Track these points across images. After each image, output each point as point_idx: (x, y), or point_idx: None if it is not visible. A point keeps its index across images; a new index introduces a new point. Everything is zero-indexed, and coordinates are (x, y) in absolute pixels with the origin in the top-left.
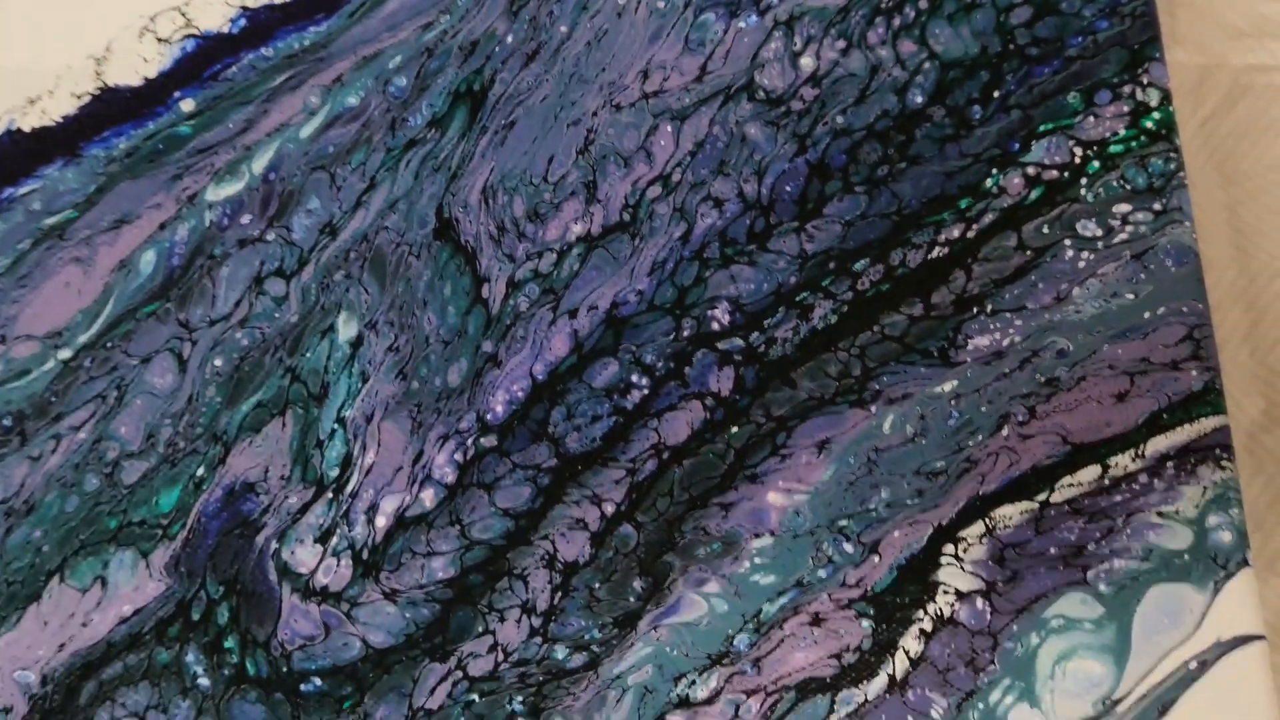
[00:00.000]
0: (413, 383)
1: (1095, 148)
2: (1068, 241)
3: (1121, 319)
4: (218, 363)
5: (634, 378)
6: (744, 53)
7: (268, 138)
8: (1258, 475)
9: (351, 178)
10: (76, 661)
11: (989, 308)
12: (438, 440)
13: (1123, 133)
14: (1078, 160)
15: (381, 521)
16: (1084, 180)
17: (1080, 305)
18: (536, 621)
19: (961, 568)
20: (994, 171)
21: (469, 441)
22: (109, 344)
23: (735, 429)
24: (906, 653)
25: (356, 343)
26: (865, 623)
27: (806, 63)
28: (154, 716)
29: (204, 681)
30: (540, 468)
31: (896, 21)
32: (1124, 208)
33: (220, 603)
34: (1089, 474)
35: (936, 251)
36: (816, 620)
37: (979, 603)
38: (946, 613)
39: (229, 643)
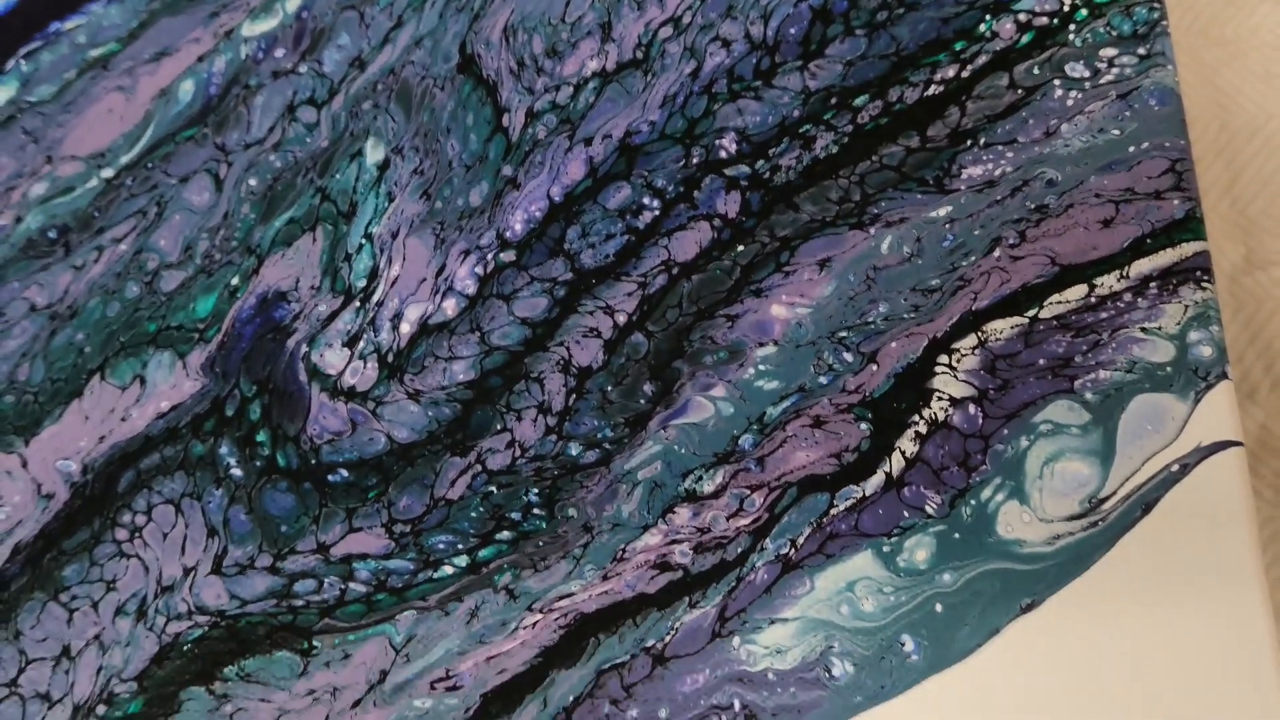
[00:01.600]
0: (436, 202)
1: None
2: (1057, 82)
3: (1107, 153)
4: (252, 182)
5: (645, 200)
6: None
7: None
8: (1238, 314)
9: (379, 16)
10: (115, 452)
11: (982, 140)
12: (460, 255)
13: None
14: (1066, 8)
15: (406, 328)
16: (1072, 26)
17: (1068, 140)
18: (552, 421)
19: (955, 376)
20: (987, 18)
21: (489, 256)
22: (149, 164)
23: (741, 247)
24: (903, 453)
25: (383, 166)
26: (864, 425)
27: None
28: (189, 504)
29: (237, 472)
30: (556, 281)
31: None
32: (1110, 52)
33: (253, 400)
34: (1076, 293)
35: (932, 89)
36: (817, 423)
37: (971, 408)
38: (940, 417)
39: (261, 437)
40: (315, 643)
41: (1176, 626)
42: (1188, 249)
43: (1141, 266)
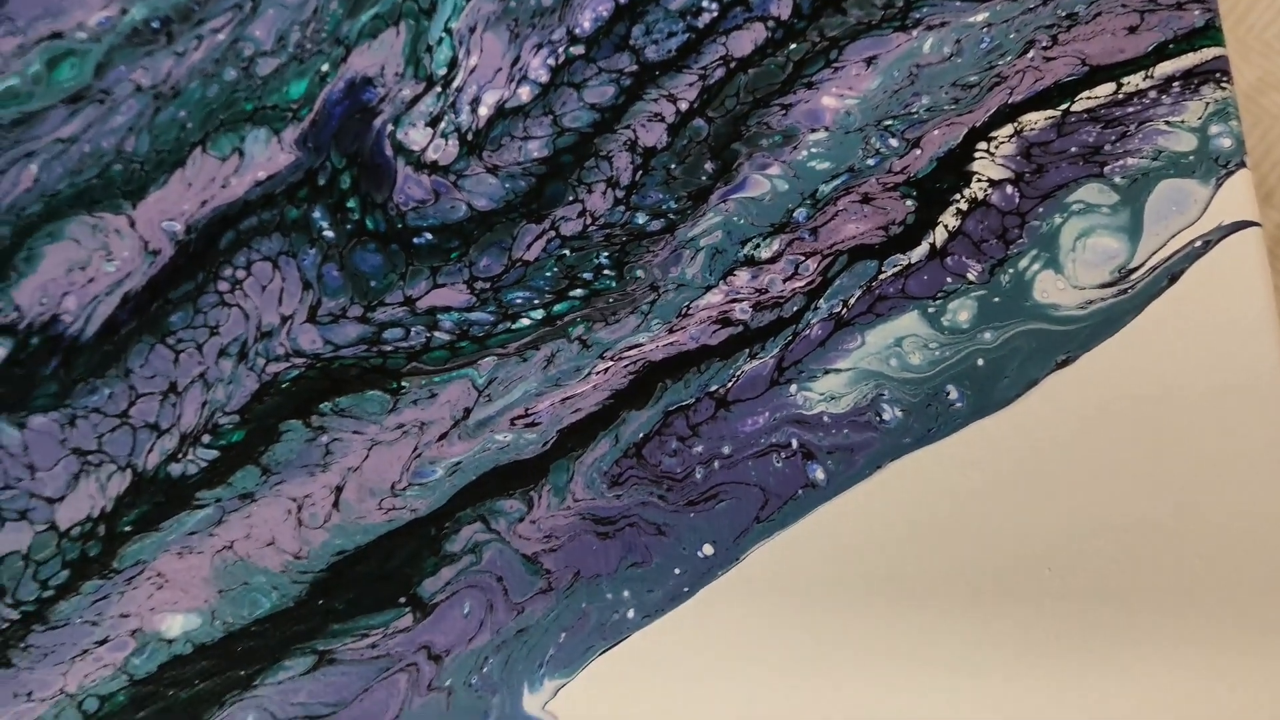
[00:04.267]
0: (510, 2)
1: None
2: None
3: None
4: None
5: (704, 2)
6: None
7: None
8: (1254, 129)
9: None
10: (216, 215)
11: None
12: (533, 48)
13: None
14: None
15: (483, 110)
16: None
17: None
18: (620, 193)
19: (993, 160)
20: None
21: (560, 50)
22: None
23: (794, 45)
24: (945, 227)
25: None
26: (909, 202)
27: None
28: (285, 260)
29: (329, 234)
30: (622, 72)
31: None
32: None
33: (343, 172)
34: (1105, 90)
35: None
36: (866, 199)
37: (1008, 189)
38: (980, 196)
39: (351, 203)
40: (403, 383)
41: (1199, 380)
42: (1208, 53)
43: (1165, 68)
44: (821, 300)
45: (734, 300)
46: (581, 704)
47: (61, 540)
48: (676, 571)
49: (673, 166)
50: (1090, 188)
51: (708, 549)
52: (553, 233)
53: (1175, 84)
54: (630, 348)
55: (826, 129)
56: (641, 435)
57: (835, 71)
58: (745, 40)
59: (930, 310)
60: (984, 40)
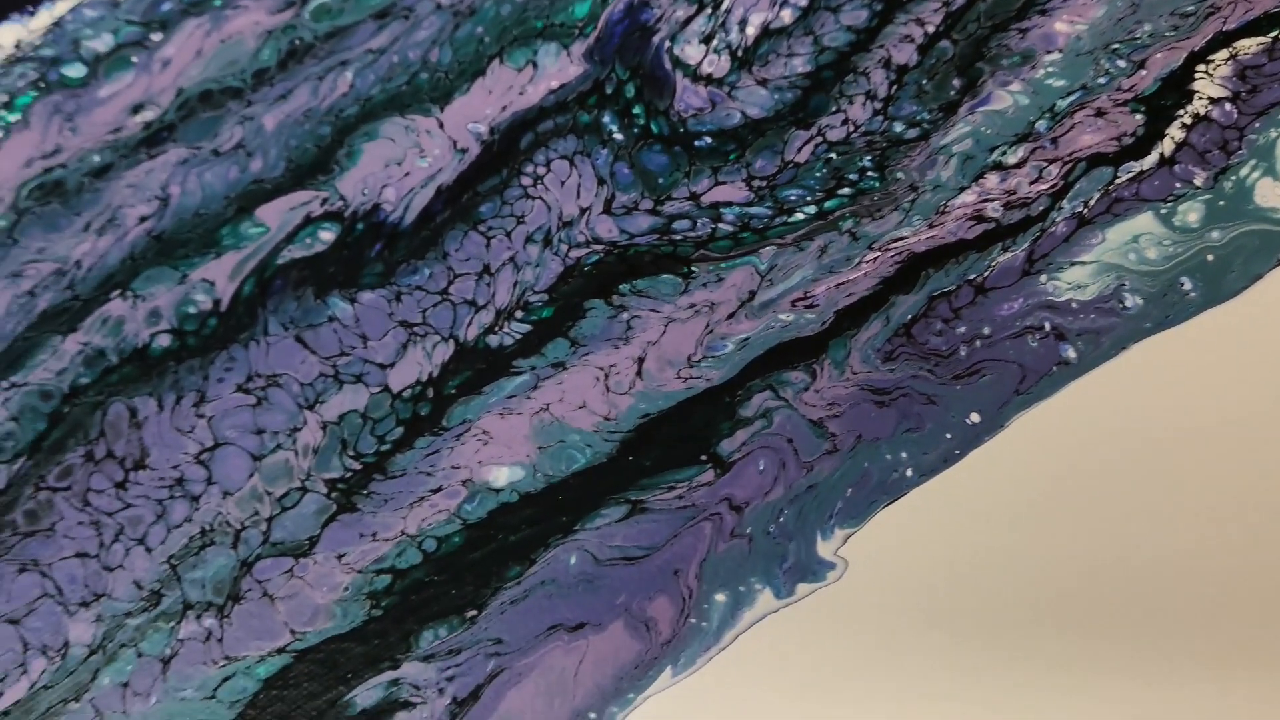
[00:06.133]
0: None
1: None
2: None
3: None
4: None
5: None
6: None
7: None
8: None
9: None
10: (516, 119)
11: None
12: None
13: None
14: None
15: (750, 30)
16: None
17: None
18: (877, 105)
19: (1211, 81)
20: None
21: None
22: None
23: None
24: (1172, 138)
25: None
26: (1138, 116)
27: None
28: (580, 159)
29: (618, 136)
30: None
31: None
32: None
33: (627, 82)
34: None
35: None
36: (1099, 113)
37: (1227, 106)
38: (1201, 112)
39: (636, 110)
40: (693, 268)
41: None
42: None
43: None
44: (1064, 201)
45: (986, 200)
46: None
47: (394, 401)
48: (948, 436)
49: (924, 82)
50: None
51: (974, 416)
52: (819, 138)
53: None
54: (895, 240)
55: (1059, 51)
56: (909, 317)
57: (1064, 1)
58: None
59: (1162, 211)
60: None
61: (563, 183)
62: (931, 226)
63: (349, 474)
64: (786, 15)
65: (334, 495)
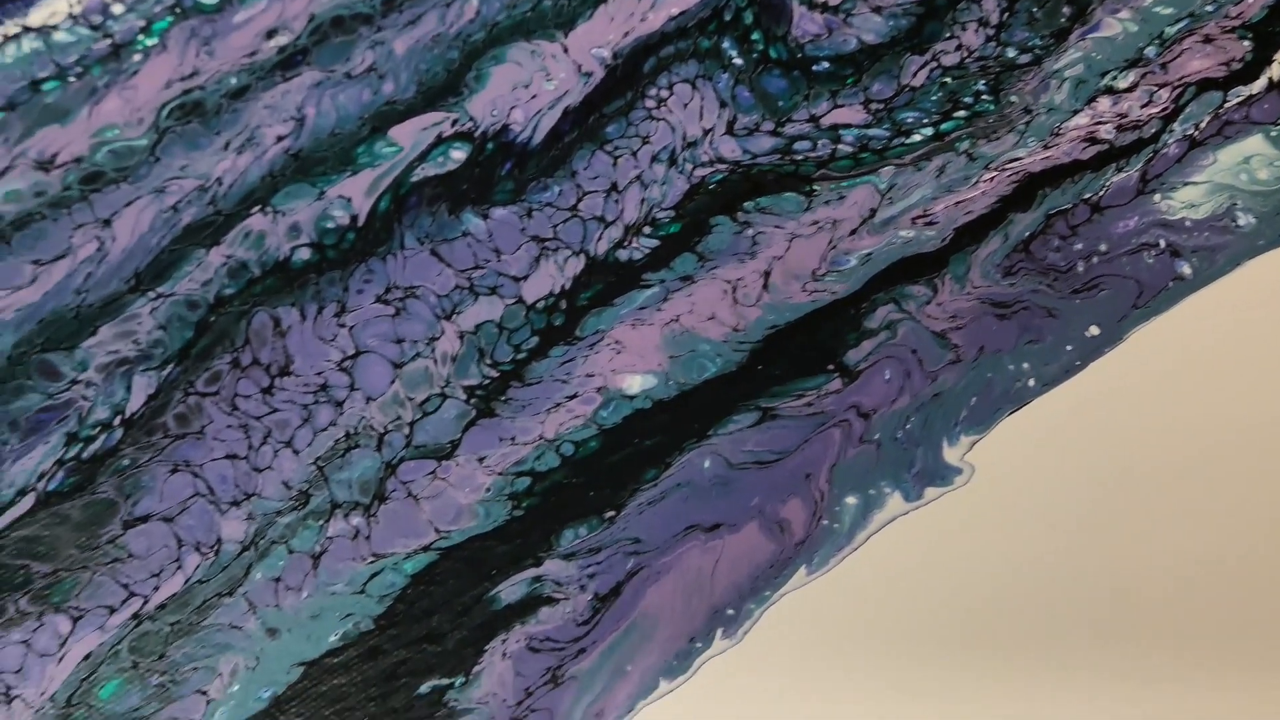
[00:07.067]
0: None
1: None
2: None
3: None
4: None
5: None
6: None
7: None
8: None
9: None
10: (639, 44)
11: None
12: None
13: None
14: None
15: None
16: None
17: None
18: (991, 31)
19: None
20: None
21: None
22: None
23: None
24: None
25: None
26: (1246, 42)
27: None
28: (702, 82)
29: (738, 61)
30: None
31: None
32: None
33: (745, 9)
34: None
35: None
36: (1207, 40)
37: None
38: None
39: (755, 36)
40: (815, 187)
41: None
42: None
43: None
44: (1176, 124)
45: (1099, 123)
46: None
47: (529, 312)
48: (1068, 348)
49: (1035, 10)
50: None
51: (1094, 330)
52: (934, 63)
53: None
54: (1011, 160)
55: None
56: (1028, 234)
57: None
58: None
59: (1272, 134)
60: None
61: (685, 105)
62: (1046, 148)
63: (487, 381)
64: None
65: (473, 401)
